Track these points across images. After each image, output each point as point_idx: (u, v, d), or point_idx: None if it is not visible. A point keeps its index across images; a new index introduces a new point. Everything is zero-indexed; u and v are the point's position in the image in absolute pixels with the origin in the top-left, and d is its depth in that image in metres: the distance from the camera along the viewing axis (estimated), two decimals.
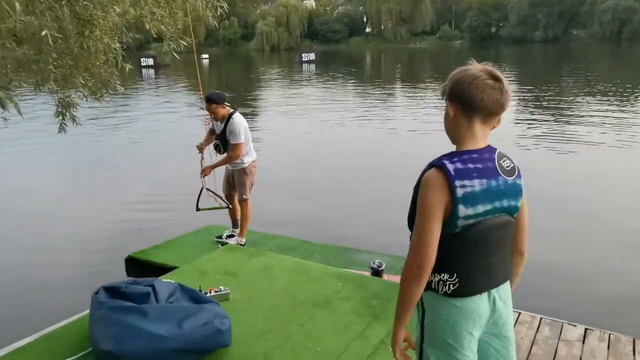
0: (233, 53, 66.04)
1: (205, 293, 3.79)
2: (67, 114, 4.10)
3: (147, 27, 3.76)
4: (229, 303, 3.82)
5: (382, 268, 4.60)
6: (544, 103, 17.63)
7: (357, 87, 25.40)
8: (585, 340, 3.26)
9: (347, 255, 5.43)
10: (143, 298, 3.22)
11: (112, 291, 3.26)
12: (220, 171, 5.77)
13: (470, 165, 1.73)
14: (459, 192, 1.70)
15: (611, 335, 3.29)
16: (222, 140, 5.45)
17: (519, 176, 1.83)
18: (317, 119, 15.64)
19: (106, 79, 4.57)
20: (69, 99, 4.13)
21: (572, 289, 4.83)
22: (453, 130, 1.85)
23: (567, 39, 68.47)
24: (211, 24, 4.20)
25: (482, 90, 1.74)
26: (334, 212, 7.47)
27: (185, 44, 3.94)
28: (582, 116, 14.63)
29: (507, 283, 1.88)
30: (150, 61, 43.39)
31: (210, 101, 5.36)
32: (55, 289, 5.19)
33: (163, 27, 3.81)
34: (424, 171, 1.80)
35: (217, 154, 5.64)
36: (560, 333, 3.35)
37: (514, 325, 3.47)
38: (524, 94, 19.85)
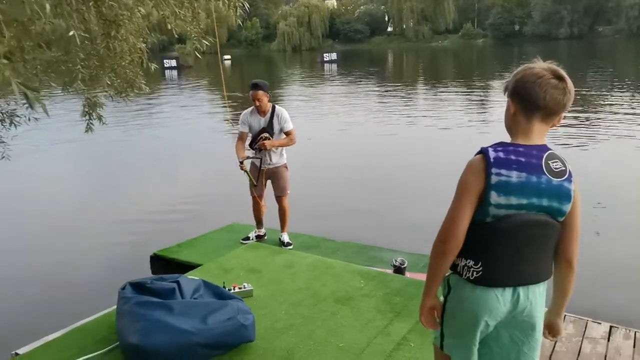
0: (255, 54, 66.41)
1: (229, 289, 3.84)
2: (93, 113, 4.19)
3: (170, 27, 3.82)
4: (252, 299, 3.87)
5: (405, 266, 4.60)
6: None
7: (380, 87, 25.33)
8: (610, 337, 3.23)
9: (369, 253, 5.44)
10: (168, 294, 3.28)
11: (138, 287, 3.33)
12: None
13: (513, 157, 1.76)
14: (494, 179, 1.74)
15: (637, 333, 3.25)
16: (271, 132, 5.27)
17: (568, 180, 1.80)
18: (341, 118, 15.65)
19: (131, 78, 4.66)
20: (95, 99, 4.21)
21: (596, 285, 4.77)
22: (511, 125, 1.87)
23: (593, 35, 67.23)
24: (234, 23, 4.25)
25: (545, 90, 1.75)
26: (358, 211, 7.49)
27: (207, 43, 3.99)
28: (609, 113, 14.38)
29: (541, 285, 1.87)
30: (173, 62, 43.86)
31: (258, 87, 5.15)
32: (84, 286, 5.32)
33: (186, 27, 3.87)
34: (474, 156, 1.85)
35: (257, 153, 5.38)
36: (585, 330, 3.31)
37: None
38: None
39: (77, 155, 11.77)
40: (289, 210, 5.60)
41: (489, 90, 22.44)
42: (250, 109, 5.34)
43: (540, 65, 1.80)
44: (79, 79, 3.89)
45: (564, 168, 1.81)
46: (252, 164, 5.47)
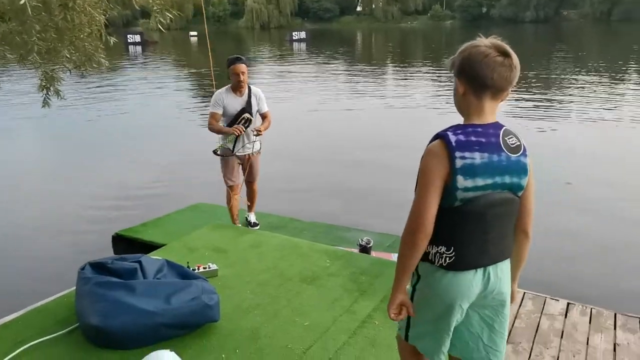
0: (222, 31, 65.23)
1: (194, 269, 3.78)
2: (51, 88, 4.04)
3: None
4: (217, 279, 3.83)
5: (370, 245, 4.63)
6: (533, 81, 17.64)
7: (349, 67, 25.24)
8: (568, 314, 3.31)
9: (336, 233, 5.46)
10: (130, 274, 3.22)
11: (99, 267, 3.25)
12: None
13: (473, 138, 1.74)
14: (458, 162, 1.72)
15: (593, 310, 3.35)
16: (251, 114, 4.97)
17: (524, 154, 1.81)
18: (309, 98, 15.57)
19: (90, 52, 4.50)
20: (53, 73, 4.06)
21: (556, 264, 4.90)
22: (462, 105, 1.86)
23: (558, 19, 68.34)
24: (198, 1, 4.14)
25: (492, 69, 1.74)
26: (325, 191, 7.49)
27: (171, 16, 3.88)
28: (571, 94, 14.67)
29: (507, 261, 1.90)
30: (137, 38, 42.82)
31: (242, 60, 4.85)
32: (43, 266, 5.21)
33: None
34: (430, 142, 1.82)
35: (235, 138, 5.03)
36: (543, 307, 3.39)
37: None
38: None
39: (38, 132, 11.45)
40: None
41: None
42: (224, 88, 4.98)
43: (484, 42, 1.78)
44: (34, 52, 3.74)
45: (519, 143, 1.82)
46: (225, 151, 5.09)
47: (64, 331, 3.16)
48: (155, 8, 3.79)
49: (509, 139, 1.79)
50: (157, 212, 6.16)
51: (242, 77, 4.81)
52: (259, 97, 5.03)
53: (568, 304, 3.42)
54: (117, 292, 3.05)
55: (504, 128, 1.81)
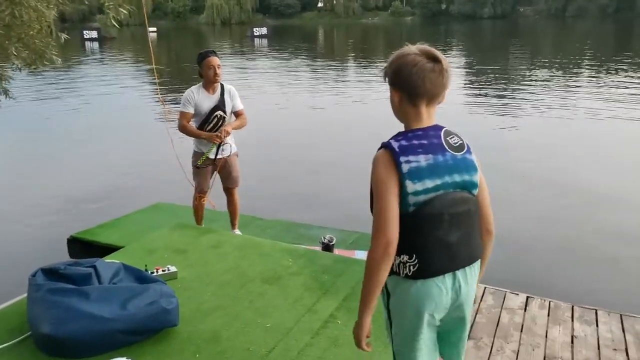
0: (182, 26, 64.27)
1: (152, 272, 3.69)
2: None
3: None
4: (176, 282, 3.74)
5: (333, 243, 4.61)
6: (491, 76, 17.98)
7: (311, 63, 25.19)
8: (527, 307, 3.37)
9: (298, 230, 5.42)
10: (84, 279, 3.10)
11: (51, 273, 3.13)
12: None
13: (415, 142, 1.74)
14: (405, 167, 1.70)
15: (551, 303, 3.41)
16: (225, 112, 4.67)
17: (468, 152, 1.81)
18: (270, 95, 15.44)
19: (41, 49, 4.33)
20: (0, 71, 3.88)
21: (516, 258, 4.98)
22: (400, 114, 1.85)
23: (515, 15, 69.89)
24: None
25: (423, 77, 1.73)
26: (287, 189, 7.44)
27: (125, 11, 3.75)
28: (527, 88, 15.00)
29: (476, 265, 1.84)
30: (94, 34, 41.76)
31: (215, 53, 4.60)
32: None
33: None
34: (376, 153, 1.81)
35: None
36: (503, 302, 3.44)
37: None
38: (472, 69, 20.21)
39: None
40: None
41: None
42: (196, 86, 4.67)
43: (412, 50, 1.78)
44: None
45: (461, 142, 1.82)
46: (197, 155, 4.80)
47: (14, 340, 3.03)
48: (107, 4, 3.66)
49: (450, 138, 1.80)
50: (115, 213, 6.00)
51: (217, 71, 4.51)
52: (232, 94, 4.73)
53: (527, 297, 3.48)
54: (70, 298, 2.94)
55: (444, 129, 1.82)
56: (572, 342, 3.00)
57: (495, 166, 7.56)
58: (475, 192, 1.82)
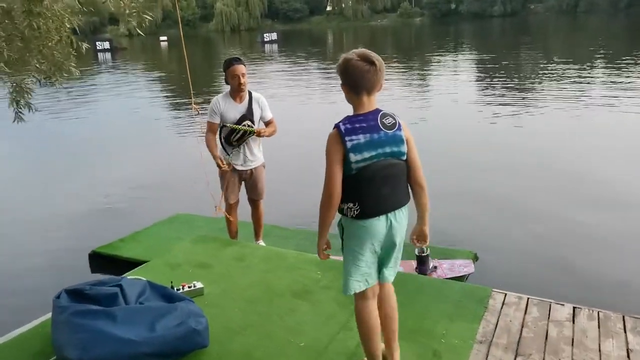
0: (192, 35, 64.38)
1: (178, 289, 3.56)
2: (21, 101, 3.76)
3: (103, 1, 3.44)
4: (202, 298, 3.61)
5: None
6: (501, 76, 17.74)
7: (323, 66, 25.05)
8: (575, 319, 3.17)
9: None
10: (110, 300, 2.98)
11: (75, 294, 3.00)
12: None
13: (357, 125, 2.37)
14: (348, 144, 2.35)
15: (600, 313, 3.21)
16: (253, 121, 4.47)
17: (399, 129, 2.42)
18: (286, 99, 15.31)
19: (60, 61, 4.23)
20: (22, 85, 3.78)
21: (556, 266, 4.77)
22: (349, 101, 2.49)
23: (525, 13, 69.28)
24: (169, 3, 3.90)
25: (361, 76, 2.37)
26: (305, 196, 7.27)
27: (149, 18, 3.62)
28: (538, 86, 14.74)
29: (403, 208, 2.50)
30: (107, 45, 42.03)
31: (241, 61, 4.40)
32: (13, 292, 4.82)
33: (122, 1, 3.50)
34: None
35: (233, 147, 4.51)
36: (549, 313, 3.25)
37: (501, 306, 3.36)
38: (483, 67, 19.96)
39: (4, 144, 10.92)
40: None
41: (428, 68, 22.69)
42: (222, 95, 4.51)
43: (354, 55, 2.37)
44: (4, 60, 3.47)
45: (394, 121, 2.43)
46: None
47: None
48: (128, 12, 3.54)
49: (385, 120, 2.41)
50: (135, 226, 5.89)
51: (242, 80, 4.33)
52: (262, 104, 4.52)
53: (574, 308, 3.28)
54: (96, 321, 2.82)
55: (381, 112, 2.43)
56: (628, 356, 2.81)
57: (532, 171, 7.41)
58: (404, 157, 2.44)
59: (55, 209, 7.06)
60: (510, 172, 7.56)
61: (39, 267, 5.26)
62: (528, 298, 3.44)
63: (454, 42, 36.51)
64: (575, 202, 6.34)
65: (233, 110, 4.44)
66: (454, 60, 24.88)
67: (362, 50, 2.39)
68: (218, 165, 4.52)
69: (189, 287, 3.65)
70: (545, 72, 17.94)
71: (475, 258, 4.71)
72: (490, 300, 3.42)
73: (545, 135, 9.54)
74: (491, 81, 16.97)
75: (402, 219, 2.49)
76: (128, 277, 3.48)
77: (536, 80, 16.56)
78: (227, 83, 4.47)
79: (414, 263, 4.51)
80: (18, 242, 6.04)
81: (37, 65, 4.00)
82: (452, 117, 11.82)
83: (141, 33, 3.83)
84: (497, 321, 3.20)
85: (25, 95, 4.08)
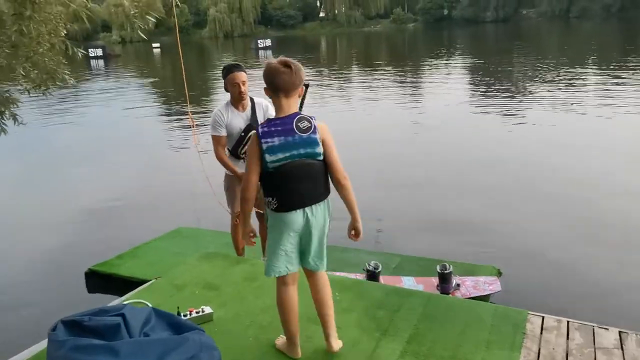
0: (185, 41, 63.92)
1: (185, 315, 3.26)
2: (6, 112, 3.45)
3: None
4: (212, 324, 3.31)
5: (379, 270, 4.17)
6: (492, 80, 17.58)
7: (318, 72, 24.81)
8: (623, 345, 2.90)
9: (335, 254, 4.91)
10: (112, 332, 2.66)
11: (73, 326, 2.68)
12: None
13: (273, 129, 2.57)
14: (264, 146, 2.56)
15: None
16: None
17: (313, 132, 2.58)
18: None
19: (52, 68, 3.93)
20: (7, 95, 3.47)
21: (585, 284, 4.49)
22: (272, 103, 2.71)
23: (518, 18, 69.45)
24: (161, 10, 3.63)
25: (279, 78, 2.58)
26: None
27: (153, 19, 3.35)
28: (530, 90, 14.54)
29: (320, 204, 2.69)
30: (99, 51, 41.63)
31: (241, 68, 4.12)
32: (3, 317, 4.44)
33: (125, 2, 3.21)
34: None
35: (240, 159, 4.22)
36: (594, 339, 2.97)
37: (541, 331, 3.08)
38: (476, 72, 19.80)
39: None
40: None
41: (421, 73, 22.54)
42: (223, 104, 4.21)
43: (274, 61, 2.61)
44: None
45: (310, 125, 2.59)
46: (229, 179, 4.31)
47: None
48: (133, 12, 3.25)
49: (301, 123, 2.58)
50: (134, 240, 5.58)
51: (242, 88, 4.05)
52: (266, 110, 4.22)
53: (620, 332, 3.01)
54: (98, 356, 2.50)
55: (298, 116, 2.60)
56: None
57: (552, 180, 7.14)
58: (319, 158, 2.62)
59: (47, 222, 6.72)
60: (528, 181, 7.25)
61: (31, 288, 4.91)
62: (568, 321, 3.16)
63: (448, 48, 36.39)
64: (603, 213, 6.05)
65: (238, 119, 4.15)
66: (447, 65, 24.69)
67: (282, 57, 2.63)
68: (239, 177, 4.06)
69: (197, 312, 3.34)
70: (535, 77, 17.77)
71: (499, 274, 4.44)
72: (528, 324, 3.14)
73: (556, 142, 9.31)
74: (498, 87, 16.76)
75: (318, 213, 2.69)
76: (131, 305, 3.18)
77: (547, 85, 16.36)
78: (226, 91, 4.17)
79: (434, 280, 4.24)
80: (6, 259, 5.68)
81: (23, 73, 3.69)
82: (458, 124, 11.58)
83: (143, 36, 3.56)
84: (539, 349, 2.91)
85: (11, 105, 3.77)
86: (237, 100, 4.16)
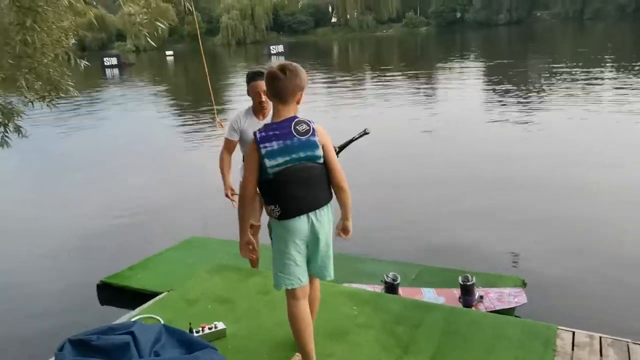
0: (198, 49, 64.35)
1: (197, 331, 3.14)
2: (9, 124, 3.36)
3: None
4: (225, 341, 3.18)
5: (398, 282, 4.01)
6: (506, 83, 17.34)
7: (331, 78, 24.70)
8: None
9: (351, 265, 4.83)
10: (121, 351, 2.56)
11: (81, 345, 2.59)
12: None
13: (271, 133, 2.53)
14: (263, 151, 2.51)
15: None
16: None
17: (312, 135, 2.54)
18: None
19: (56, 79, 3.84)
20: (10, 106, 3.38)
21: (614, 296, 4.30)
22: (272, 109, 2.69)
23: (531, 20, 68.88)
24: (175, 18, 3.52)
25: (273, 83, 2.55)
26: None
27: (163, 26, 3.24)
28: (545, 94, 14.28)
29: (324, 208, 2.62)
30: (114, 60, 41.87)
31: (263, 76, 3.98)
32: (11, 331, 4.32)
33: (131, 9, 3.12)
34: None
35: None
36: (629, 356, 2.80)
37: (572, 348, 2.91)
38: (488, 76, 19.56)
39: (4, 162, 10.39)
40: None
41: (434, 77, 22.34)
42: (246, 109, 4.07)
43: (274, 66, 2.56)
44: None
45: (308, 128, 2.55)
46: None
47: None
48: (141, 18, 3.15)
49: (299, 127, 2.54)
50: (145, 251, 5.48)
51: (263, 97, 3.83)
52: None
53: None
54: None
55: (296, 119, 2.56)
56: None
57: (574, 185, 6.94)
58: (320, 161, 2.57)
59: (58, 233, 6.64)
60: (551, 188, 7.02)
61: (42, 302, 4.80)
62: (600, 337, 2.99)
63: (461, 51, 36.10)
64: (630, 220, 5.83)
65: (254, 128, 3.99)
66: (461, 69, 24.45)
67: (282, 62, 2.60)
68: (226, 195, 4.05)
69: (209, 328, 3.21)
70: (550, 80, 17.49)
71: (523, 284, 4.26)
72: (558, 340, 2.97)
73: (579, 146, 9.08)
74: (512, 90, 16.52)
75: (323, 218, 2.61)
76: (142, 320, 3.07)
77: (565, 88, 16.10)
78: (249, 95, 4.03)
79: (456, 292, 4.08)
80: (19, 270, 5.60)
81: (25, 85, 3.59)
82: (472, 127, 11.38)
83: (153, 44, 3.47)
84: None
85: (14, 117, 3.67)
86: (257, 109, 4.01)
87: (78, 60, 3.55)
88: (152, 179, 9.03)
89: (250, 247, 2.75)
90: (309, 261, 2.70)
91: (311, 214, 2.57)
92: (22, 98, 3.50)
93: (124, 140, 12.72)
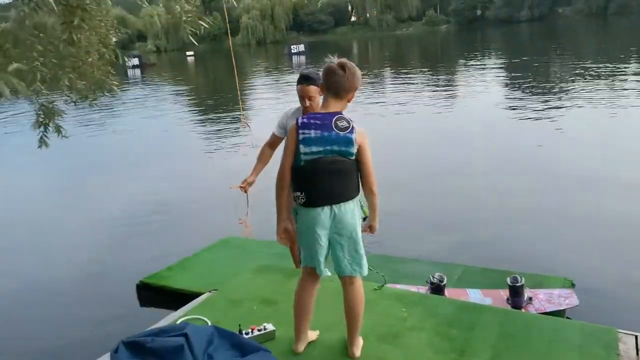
0: (218, 49, 64.69)
1: (247, 333, 3.09)
2: (50, 124, 3.35)
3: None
4: (275, 344, 3.12)
5: (444, 283, 3.93)
6: (529, 80, 17.06)
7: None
8: None
9: (392, 265, 4.74)
10: (176, 354, 2.52)
11: (135, 347, 2.55)
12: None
13: (312, 121, 2.62)
14: (300, 136, 2.61)
15: None
16: None
17: (350, 132, 2.59)
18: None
19: (100, 79, 3.82)
20: (52, 106, 3.37)
21: None
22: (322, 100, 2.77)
23: (553, 17, 67.94)
24: (201, 27, 3.47)
25: (331, 78, 2.64)
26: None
27: (205, 25, 3.21)
28: (568, 91, 13.99)
29: (349, 202, 2.66)
30: (136, 61, 42.33)
31: (310, 80, 3.68)
32: (56, 332, 4.34)
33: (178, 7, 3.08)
34: None
35: None
36: None
37: (636, 353, 2.80)
38: (509, 73, 19.28)
39: (34, 166, 10.44)
40: None
41: (454, 75, 22.13)
42: (295, 108, 3.97)
43: (332, 61, 2.65)
44: (37, 80, 3.07)
45: (348, 125, 2.61)
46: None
47: None
48: (184, 17, 3.12)
49: (340, 122, 2.60)
50: (183, 251, 5.47)
51: (308, 103, 3.69)
52: None
53: None
54: None
55: (338, 115, 2.63)
56: None
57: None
58: (351, 157, 2.62)
59: (96, 235, 6.66)
60: (596, 186, 6.85)
61: (84, 302, 4.82)
62: (636, 336, 2.88)
63: (482, 48, 35.68)
64: None
65: None
66: (483, 67, 24.14)
67: (341, 59, 2.67)
68: (244, 181, 3.97)
69: (259, 330, 3.17)
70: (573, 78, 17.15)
71: (572, 285, 4.14)
72: (620, 345, 2.86)
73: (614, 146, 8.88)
74: (535, 87, 16.26)
75: (347, 212, 2.66)
76: (189, 321, 3.03)
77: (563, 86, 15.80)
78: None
79: (503, 293, 3.97)
80: (59, 272, 5.63)
81: (68, 84, 3.57)
82: (501, 126, 11.21)
83: (195, 43, 3.43)
84: None
85: (55, 117, 3.66)
86: (303, 112, 3.89)
87: (125, 59, 3.53)
88: (182, 180, 9.02)
89: (286, 233, 2.82)
90: (337, 259, 2.75)
91: (334, 206, 2.64)
92: (64, 97, 3.48)
93: (152, 141, 12.82)
